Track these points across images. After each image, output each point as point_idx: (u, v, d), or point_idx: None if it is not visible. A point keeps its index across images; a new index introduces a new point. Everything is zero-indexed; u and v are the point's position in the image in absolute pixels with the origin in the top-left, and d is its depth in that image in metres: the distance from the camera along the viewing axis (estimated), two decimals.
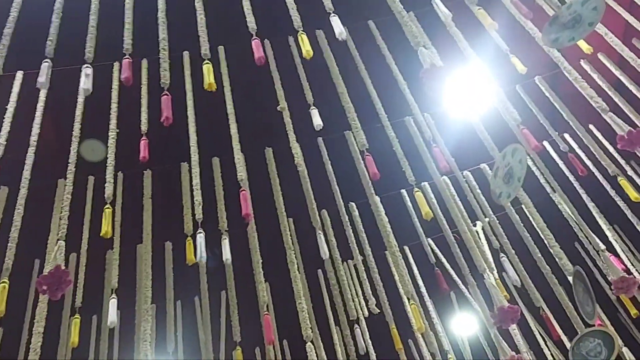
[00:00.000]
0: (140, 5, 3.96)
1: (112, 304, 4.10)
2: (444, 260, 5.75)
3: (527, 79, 5.27)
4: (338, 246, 5.11)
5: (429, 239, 5.76)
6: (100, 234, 3.82)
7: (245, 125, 4.36)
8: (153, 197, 4.82)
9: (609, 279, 4.00)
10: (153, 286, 4.23)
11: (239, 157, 3.99)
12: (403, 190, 5.61)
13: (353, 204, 5.40)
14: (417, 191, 4.20)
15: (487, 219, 5.03)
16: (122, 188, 4.87)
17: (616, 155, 5.10)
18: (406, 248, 5.91)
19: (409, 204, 5.54)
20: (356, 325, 4.96)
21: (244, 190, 3.80)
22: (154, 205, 4.79)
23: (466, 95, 4.93)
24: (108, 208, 3.83)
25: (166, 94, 3.39)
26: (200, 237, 3.83)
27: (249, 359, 5.31)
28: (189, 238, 4.35)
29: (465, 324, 6.69)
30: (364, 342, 4.94)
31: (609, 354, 4.37)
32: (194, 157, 4.06)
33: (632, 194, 4.66)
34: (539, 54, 4.49)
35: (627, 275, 3.74)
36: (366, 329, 5.12)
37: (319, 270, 5.72)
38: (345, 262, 5.45)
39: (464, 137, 5.26)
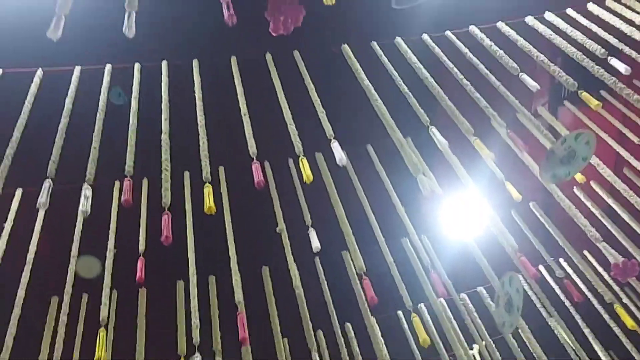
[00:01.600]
0: (144, 126, 4.06)
1: None
2: None
3: (522, 204, 5.34)
4: None
5: None
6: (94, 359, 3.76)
7: (243, 245, 4.38)
8: (148, 315, 4.77)
9: None
10: None
11: (236, 279, 3.98)
12: (399, 312, 5.56)
13: (349, 324, 5.34)
14: (415, 317, 4.17)
15: (483, 342, 4.98)
16: (117, 307, 4.81)
17: (611, 282, 5.10)
18: None
19: (406, 326, 5.48)
20: None
21: (241, 313, 3.77)
22: (149, 324, 4.73)
23: (463, 219, 5.01)
24: (102, 331, 3.79)
25: (167, 214, 3.42)
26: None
27: None
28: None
29: None
30: None
31: None
32: (193, 277, 4.04)
33: (628, 321, 4.65)
34: (533, 180, 4.58)
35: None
36: None
37: None
38: None
39: (461, 259, 5.29)
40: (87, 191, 3.40)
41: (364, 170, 4.86)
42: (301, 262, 4.58)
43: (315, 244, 4.13)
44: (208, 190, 3.47)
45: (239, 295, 3.87)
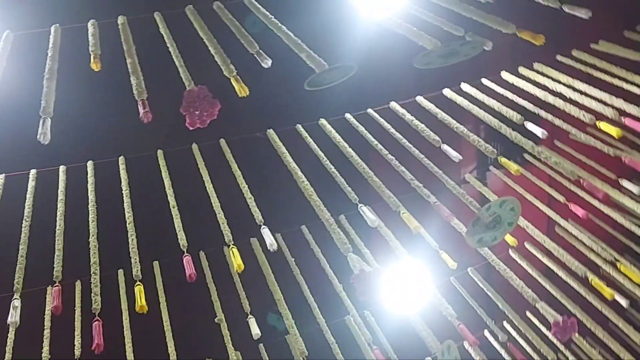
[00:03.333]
0: (71, 228, 3.99)
1: None
2: None
3: (461, 271, 5.40)
4: None
5: None
6: None
7: (182, 338, 4.30)
8: None
9: None
10: None
11: None
12: None
13: None
14: None
15: None
16: None
17: (554, 340, 5.15)
18: None
19: None
20: None
21: None
22: None
23: (402, 292, 5.01)
24: None
25: (97, 320, 3.34)
26: None
27: None
28: None
29: None
30: None
31: None
32: None
33: None
34: (469, 247, 4.66)
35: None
36: None
37: None
38: None
39: (404, 332, 5.29)
40: (15, 302, 3.30)
41: (301, 251, 4.86)
42: (244, 349, 4.53)
43: (255, 330, 4.08)
44: (139, 289, 3.42)
45: None
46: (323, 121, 4.57)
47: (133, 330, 4.33)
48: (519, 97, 4.65)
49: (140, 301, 3.34)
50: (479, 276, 5.34)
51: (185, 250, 3.62)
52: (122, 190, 4.04)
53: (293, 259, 4.70)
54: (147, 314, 4.36)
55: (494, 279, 5.40)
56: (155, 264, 4.64)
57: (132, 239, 3.71)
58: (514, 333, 5.43)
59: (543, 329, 5.25)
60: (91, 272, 3.47)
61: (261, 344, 4.99)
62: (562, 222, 4.96)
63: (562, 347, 5.14)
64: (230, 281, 4.65)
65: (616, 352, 4.63)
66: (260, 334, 4.10)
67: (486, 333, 5.56)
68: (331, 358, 4.51)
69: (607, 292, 4.27)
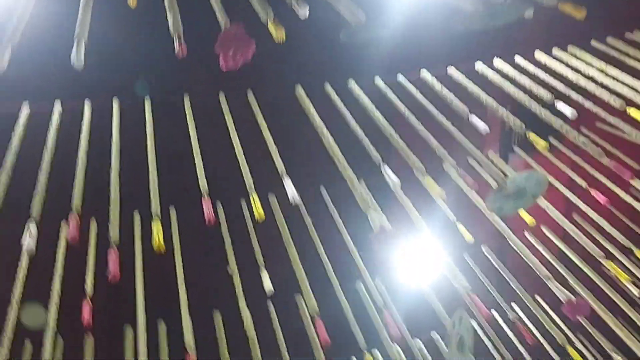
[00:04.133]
0: (94, 164, 3.98)
1: None
2: None
3: (474, 249, 5.38)
4: None
5: None
6: None
7: (194, 287, 4.31)
8: None
9: None
10: None
11: (186, 323, 3.90)
12: (353, 358, 5.49)
13: None
14: (369, 358, 4.10)
15: None
16: (62, 356, 4.64)
17: (562, 325, 5.12)
18: None
19: None
20: None
21: (190, 357, 3.69)
22: None
23: (416, 263, 5.00)
24: None
25: (114, 250, 3.32)
26: None
27: None
28: None
29: None
30: None
31: None
32: (141, 321, 3.93)
33: None
34: (486, 224, 4.62)
35: None
36: None
37: None
38: None
39: (414, 304, 5.28)
40: (32, 228, 3.30)
41: (318, 212, 4.84)
42: (253, 304, 4.52)
43: (268, 286, 4.08)
44: (157, 226, 3.40)
45: (189, 339, 3.78)
46: (352, 83, 4.53)
47: (145, 273, 4.33)
48: (551, 77, 4.61)
49: (158, 239, 3.32)
50: (493, 255, 5.32)
51: (205, 195, 3.60)
52: (145, 130, 4.03)
53: (310, 219, 4.68)
54: (161, 259, 4.39)
55: (506, 260, 5.38)
56: (172, 209, 4.63)
57: (153, 179, 3.70)
58: (523, 315, 5.40)
59: (552, 313, 5.22)
60: (110, 206, 3.46)
61: (270, 301, 5.01)
62: (582, 206, 4.90)
63: (570, 333, 5.09)
64: (245, 235, 4.65)
65: (624, 339, 4.59)
66: (273, 290, 4.10)
67: (494, 313, 5.55)
68: (341, 319, 4.50)
69: (623, 276, 4.23)
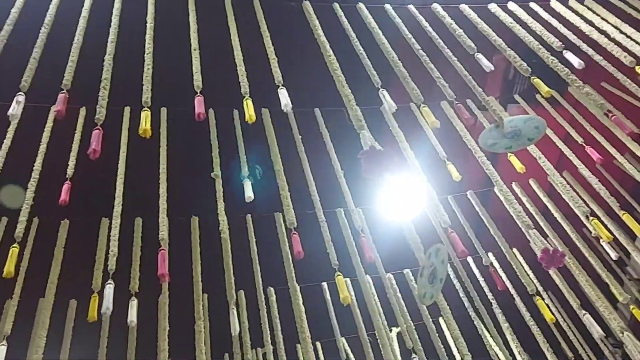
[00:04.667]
0: (90, 50, 3.89)
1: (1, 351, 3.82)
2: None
3: (459, 192, 5.39)
4: (250, 329, 4.94)
5: (343, 338, 5.62)
6: (3, 275, 3.62)
7: (175, 189, 4.29)
8: (66, 250, 4.62)
9: None
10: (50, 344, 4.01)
11: (163, 217, 3.89)
12: (324, 283, 5.54)
13: (272, 288, 5.28)
14: (339, 275, 4.09)
15: (405, 326, 4.98)
16: (35, 235, 4.65)
17: (534, 279, 5.16)
18: (318, 344, 5.76)
19: (328, 297, 5.46)
20: None
21: (163, 249, 3.68)
22: (65, 259, 4.58)
23: (399, 197, 4.98)
24: (15, 247, 3.65)
25: (98, 129, 3.26)
26: (109, 288, 3.65)
27: None
28: (95, 294, 4.15)
29: None
30: None
31: None
32: (117, 208, 3.92)
33: (547, 314, 4.71)
34: (473, 170, 4.61)
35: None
36: None
37: (226, 354, 5.51)
38: (254, 350, 5.27)
39: (392, 240, 5.29)
40: (19, 97, 3.24)
41: (309, 132, 4.80)
42: (232, 217, 4.51)
43: (249, 193, 4.05)
44: (146, 114, 3.35)
45: (163, 233, 3.77)
46: (361, 5, 4.44)
47: (128, 168, 4.31)
48: (564, 27, 4.53)
49: (145, 125, 3.26)
50: (477, 201, 5.33)
51: (198, 92, 3.53)
52: (146, 22, 3.93)
53: (300, 137, 4.64)
54: (146, 158, 4.37)
55: (489, 209, 5.39)
56: (163, 110, 4.58)
57: (148, 69, 3.62)
58: (498, 264, 5.44)
59: (527, 267, 5.27)
60: (100, 87, 3.39)
61: (249, 215, 5.02)
62: (576, 161, 4.86)
63: (541, 287, 5.15)
64: (233, 143, 4.61)
65: (592, 300, 4.64)
66: (252, 197, 4.08)
67: (470, 260, 5.60)
68: (318, 245, 4.49)
69: (606, 234, 4.24)
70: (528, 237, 4.97)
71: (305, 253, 4.01)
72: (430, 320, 4.82)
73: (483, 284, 5.46)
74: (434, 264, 3.60)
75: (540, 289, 5.15)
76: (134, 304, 4.09)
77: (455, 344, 4.71)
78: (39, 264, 4.55)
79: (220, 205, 4.18)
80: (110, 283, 3.70)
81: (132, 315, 4.01)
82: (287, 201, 3.97)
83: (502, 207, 5.24)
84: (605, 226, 4.71)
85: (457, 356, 5.35)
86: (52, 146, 4.23)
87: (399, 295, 5.18)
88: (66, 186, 3.90)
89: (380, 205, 5.39)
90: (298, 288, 4.34)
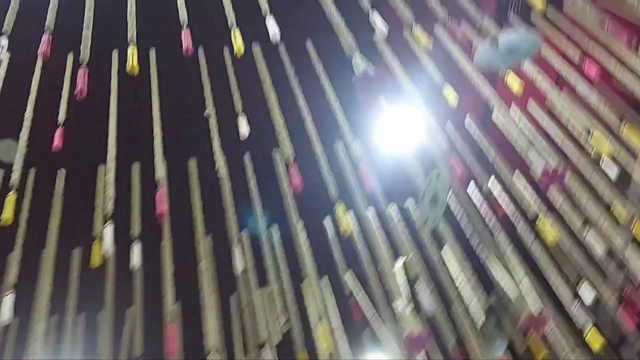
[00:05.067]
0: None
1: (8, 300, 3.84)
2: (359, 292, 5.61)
3: (458, 119, 5.32)
4: (254, 269, 4.95)
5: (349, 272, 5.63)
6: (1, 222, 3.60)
7: (170, 133, 4.24)
8: (65, 200, 4.60)
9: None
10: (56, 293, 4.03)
11: (159, 158, 3.85)
12: (326, 218, 5.53)
13: (276, 225, 5.27)
14: (339, 205, 4.06)
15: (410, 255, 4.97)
16: (33, 186, 4.61)
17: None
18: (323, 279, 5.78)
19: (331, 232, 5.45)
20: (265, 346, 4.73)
21: (161, 188, 3.66)
22: (65, 209, 4.56)
23: (396, 127, 4.94)
24: (12, 195, 3.63)
25: (84, 69, 3.19)
26: (109, 230, 3.64)
27: None
28: (97, 241, 4.14)
29: None
30: None
31: None
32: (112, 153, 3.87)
33: (550, 235, 4.70)
34: (471, 97, 4.55)
35: (536, 315, 3.72)
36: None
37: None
38: (260, 289, 5.29)
39: (391, 172, 5.27)
40: (3, 40, 3.16)
41: (302, 64, 4.70)
42: (230, 157, 4.48)
43: (244, 131, 3.99)
44: (132, 50, 3.27)
45: (160, 174, 3.74)
46: None
47: (121, 113, 4.24)
48: None
49: (132, 61, 3.19)
50: (475, 127, 5.25)
51: (184, 26, 3.45)
52: None
53: (293, 67, 4.55)
54: (138, 102, 4.30)
55: (489, 133, 5.32)
56: (152, 51, 4.49)
57: (131, 4, 3.53)
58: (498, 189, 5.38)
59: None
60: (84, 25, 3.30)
61: (247, 153, 4.97)
62: (574, 79, 4.77)
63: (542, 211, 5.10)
64: (224, 80, 4.53)
65: (594, 220, 4.62)
66: (247, 135, 4.02)
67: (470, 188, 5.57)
68: (316, 180, 4.46)
69: (605, 149, 4.18)
70: (527, 161, 4.97)
71: (305, 189, 3.98)
72: (434, 247, 4.82)
73: (484, 211, 5.43)
74: (436, 188, 3.57)
75: (541, 212, 5.11)
76: (136, 249, 4.09)
77: (459, 269, 4.74)
78: (39, 215, 4.54)
79: (216, 144, 4.12)
80: (109, 224, 3.68)
81: (136, 260, 4.01)
82: (283, 135, 3.92)
83: (501, 133, 5.22)
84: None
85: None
86: (43, 95, 4.16)
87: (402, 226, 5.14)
88: (59, 132, 3.84)
89: (379, 136, 5.36)
90: (301, 225, 4.32)
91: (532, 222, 4.91)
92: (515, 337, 5.63)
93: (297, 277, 5.09)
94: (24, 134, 3.90)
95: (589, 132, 4.25)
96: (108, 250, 3.61)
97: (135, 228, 4.25)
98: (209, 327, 3.47)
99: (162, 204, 3.59)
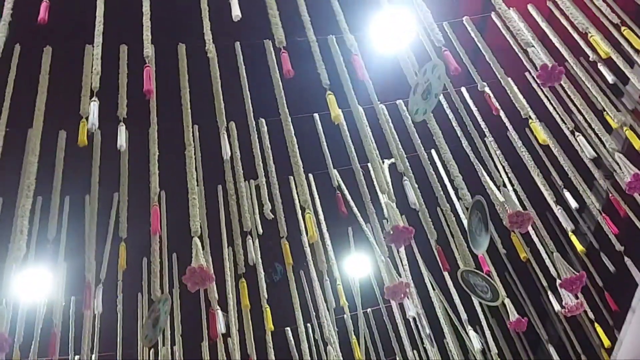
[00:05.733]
0: None
1: None
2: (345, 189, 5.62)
3: (455, 19, 5.22)
4: (242, 160, 4.92)
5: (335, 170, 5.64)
6: None
7: (159, 17, 4.13)
8: (52, 79, 4.49)
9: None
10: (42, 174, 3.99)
11: (147, 35, 3.76)
12: (316, 114, 5.49)
13: (263, 120, 5.23)
14: (330, 94, 3.98)
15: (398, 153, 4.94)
16: (18, 63, 4.51)
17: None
18: (310, 176, 5.79)
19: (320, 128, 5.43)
20: (248, 236, 4.75)
21: (148, 67, 3.57)
22: (52, 89, 4.46)
23: (391, 25, 4.84)
24: None
25: None
26: (94, 106, 3.58)
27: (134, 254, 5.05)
28: (84, 120, 4.05)
29: (358, 265, 6.71)
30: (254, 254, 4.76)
31: (494, 297, 4.42)
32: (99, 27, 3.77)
33: (539, 136, 4.69)
34: None
35: (522, 211, 3.72)
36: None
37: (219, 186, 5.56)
38: (247, 181, 5.28)
39: (384, 71, 5.20)
40: None
41: None
42: (220, 43, 4.37)
43: (236, 11, 3.84)
44: None
45: (148, 51, 3.66)
46: None
47: None
48: None
49: None
50: (473, 27, 5.15)
51: None
52: None
53: None
54: None
55: (486, 37, 5.22)
56: None
57: None
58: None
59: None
60: None
61: (237, 42, 4.86)
62: None
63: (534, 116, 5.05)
64: None
65: (585, 126, 4.60)
66: (240, 16, 3.86)
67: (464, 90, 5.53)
68: (311, 67, 4.35)
69: (603, 51, 4.12)
70: (525, 63, 4.90)
71: (296, 84, 3.90)
72: (423, 149, 4.79)
73: (476, 113, 5.40)
74: (429, 79, 3.51)
75: (533, 116, 5.07)
76: (122, 130, 4.05)
77: (445, 170, 4.73)
78: (25, 94, 4.45)
79: (206, 25, 4.02)
80: (94, 101, 3.61)
81: (122, 140, 3.98)
82: (276, 19, 3.82)
83: (498, 34, 5.12)
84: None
85: (448, 184, 5.42)
86: None
87: (391, 125, 5.10)
88: (44, 4, 3.72)
89: (374, 32, 5.25)
90: (289, 118, 4.26)
91: (522, 128, 4.90)
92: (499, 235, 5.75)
93: (284, 171, 5.10)
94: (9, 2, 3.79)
95: (586, 34, 4.14)
96: (94, 125, 3.55)
97: (122, 109, 4.18)
98: (192, 212, 3.42)
99: (149, 82, 3.52)
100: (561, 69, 3.68)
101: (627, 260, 5.29)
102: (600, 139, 4.76)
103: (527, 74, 5.47)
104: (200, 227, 3.54)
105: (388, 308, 6.51)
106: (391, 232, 3.53)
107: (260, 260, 5.02)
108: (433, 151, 5.51)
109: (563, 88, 5.11)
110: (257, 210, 5.25)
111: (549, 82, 3.71)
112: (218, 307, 4.53)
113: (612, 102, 4.88)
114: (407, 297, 4.97)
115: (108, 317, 5.54)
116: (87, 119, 4.02)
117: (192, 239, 3.29)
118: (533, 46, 3.85)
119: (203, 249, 3.46)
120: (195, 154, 4.43)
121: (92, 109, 3.60)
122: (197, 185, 3.99)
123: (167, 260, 4.89)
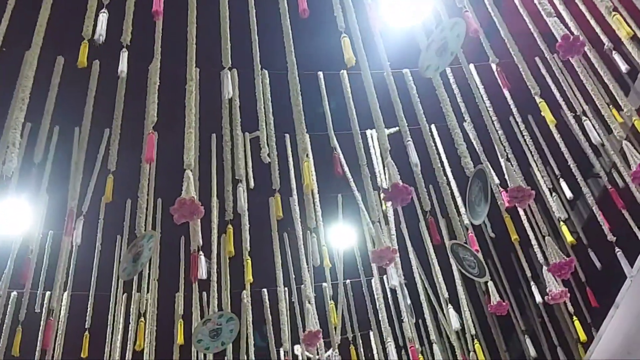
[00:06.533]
0: None
1: None
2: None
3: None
4: (241, 111, 4.80)
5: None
6: None
7: None
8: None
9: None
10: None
11: None
12: (320, 73, 5.39)
13: (266, 71, 5.11)
14: (344, 37, 3.85)
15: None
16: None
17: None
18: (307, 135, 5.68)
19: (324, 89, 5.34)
20: (240, 184, 4.63)
21: None
22: (54, 13, 4.31)
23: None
24: None
25: None
26: (103, 16, 3.44)
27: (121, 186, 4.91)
28: (86, 42, 3.90)
29: (344, 235, 6.66)
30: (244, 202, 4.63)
31: (480, 274, 4.36)
32: None
33: (548, 116, 4.62)
34: None
35: (524, 186, 3.64)
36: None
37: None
38: (244, 134, 5.17)
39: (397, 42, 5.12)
40: None
41: None
42: None
43: None
44: None
45: None
46: None
47: None
48: None
49: None
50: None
51: None
52: None
53: None
54: None
55: (502, 12, 5.12)
56: None
57: None
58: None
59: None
60: None
61: None
62: None
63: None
64: None
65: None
66: None
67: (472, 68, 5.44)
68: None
69: (626, 30, 3.99)
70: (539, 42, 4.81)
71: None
72: (425, 121, 4.71)
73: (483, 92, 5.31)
74: (447, 37, 3.41)
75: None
76: (124, 56, 3.92)
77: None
78: (25, 16, 4.29)
79: None
80: (104, 12, 3.48)
81: (123, 66, 3.85)
82: None
83: (514, 14, 5.03)
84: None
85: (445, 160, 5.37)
86: None
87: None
88: None
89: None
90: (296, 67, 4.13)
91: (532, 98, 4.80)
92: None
93: (283, 127, 5.00)
94: None
95: (610, 13, 4.02)
96: (101, 34, 3.41)
97: (126, 36, 4.03)
98: (188, 145, 3.31)
99: (159, 2, 3.39)
100: (583, 41, 3.60)
101: (618, 252, 5.18)
102: (606, 127, 4.69)
103: (537, 58, 5.42)
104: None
105: (368, 282, 6.47)
106: (390, 190, 3.44)
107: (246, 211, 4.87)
108: (433, 126, 5.46)
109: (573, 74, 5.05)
110: (249, 163, 5.14)
111: (569, 54, 3.63)
112: (202, 252, 4.42)
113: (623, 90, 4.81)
114: (393, 265, 4.92)
115: (85, 256, 5.42)
116: (89, 42, 3.89)
117: (184, 172, 3.20)
118: (555, 16, 3.76)
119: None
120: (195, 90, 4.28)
121: (101, 20, 3.45)
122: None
123: (152, 202, 4.78)
